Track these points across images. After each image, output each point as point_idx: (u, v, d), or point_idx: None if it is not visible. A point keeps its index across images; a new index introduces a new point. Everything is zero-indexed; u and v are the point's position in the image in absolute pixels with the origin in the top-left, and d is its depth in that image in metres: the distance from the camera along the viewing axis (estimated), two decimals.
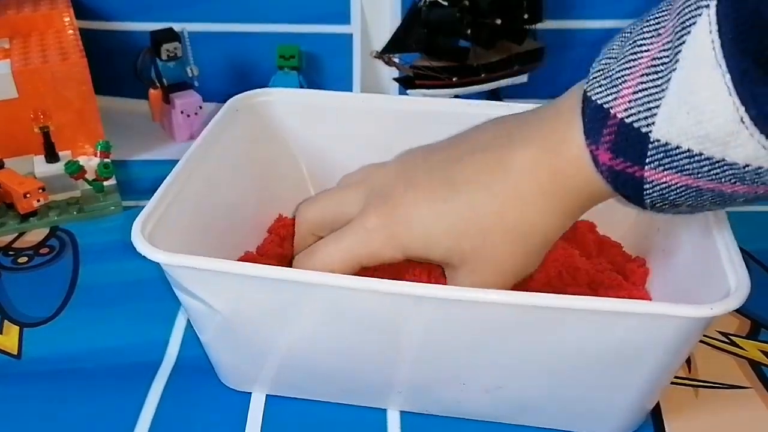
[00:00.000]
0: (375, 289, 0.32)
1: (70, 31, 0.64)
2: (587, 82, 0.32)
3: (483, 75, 0.64)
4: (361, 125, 0.49)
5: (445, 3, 0.61)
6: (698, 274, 0.36)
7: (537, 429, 0.38)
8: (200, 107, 0.66)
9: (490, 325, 0.33)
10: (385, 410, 0.40)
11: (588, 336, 0.32)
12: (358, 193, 0.40)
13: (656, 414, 0.39)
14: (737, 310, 0.46)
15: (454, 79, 0.64)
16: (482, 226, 0.35)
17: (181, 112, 0.65)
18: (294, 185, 0.51)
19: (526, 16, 0.64)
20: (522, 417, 0.38)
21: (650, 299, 0.41)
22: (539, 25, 0.64)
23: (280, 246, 0.47)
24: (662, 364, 0.34)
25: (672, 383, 0.41)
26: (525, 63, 0.65)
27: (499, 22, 0.62)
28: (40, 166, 0.57)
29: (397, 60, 0.65)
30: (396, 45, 0.65)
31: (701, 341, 0.44)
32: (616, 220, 0.45)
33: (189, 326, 0.45)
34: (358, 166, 0.46)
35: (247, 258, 0.45)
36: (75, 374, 0.42)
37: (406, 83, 0.65)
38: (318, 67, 0.70)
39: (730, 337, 0.44)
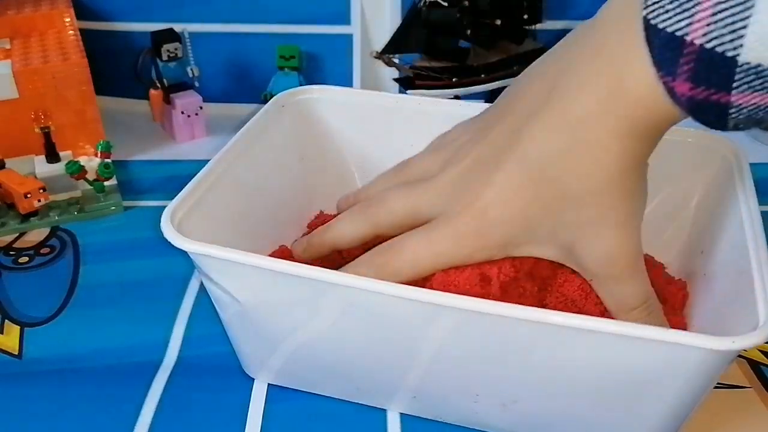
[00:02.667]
0: (395, 294, 0.32)
1: (71, 32, 0.65)
2: (646, 9, 0.29)
3: (483, 75, 0.64)
4: (408, 127, 0.48)
5: (445, 3, 0.61)
6: (733, 304, 0.35)
7: None
8: (201, 107, 0.66)
9: (501, 338, 0.32)
10: (385, 411, 0.40)
11: (601, 358, 0.31)
12: (435, 196, 0.37)
13: None
14: None
15: (454, 80, 0.64)
16: (567, 191, 0.33)
17: (182, 113, 0.65)
18: (336, 183, 0.51)
19: (525, 17, 0.64)
20: None
21: (687, 325, 0.40)
22: (539, 26, 0.65)
23: None
24: (681, 396, 0.32)
25: None
26: (525, 63, 0.65)
27: (498, 22, 0.62)
28: (40, 166, 0.57)
29: (397, 60, 0.65)
30: (396, 45, 0.65)
31: None
32: (662, 240, 0.44)
33: (189, 326, 0.45)
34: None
35: (280, 251, 0.45)
36: (75, 374, 0.42)
37: (406, 84, 0.65)
38: (318, 67, 0.70)
39: None
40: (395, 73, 0.68)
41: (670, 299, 0.41)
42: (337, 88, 0.50)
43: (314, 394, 0.40)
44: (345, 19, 0.69)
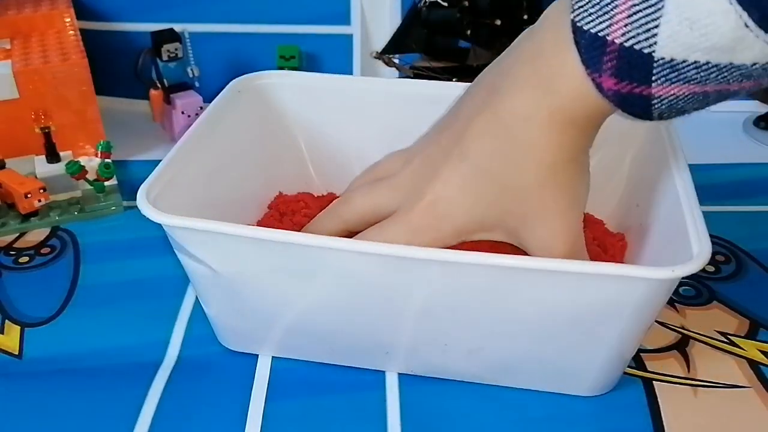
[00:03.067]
0: (360, 250, 0.34)
1: (71, 32, 0.65)
2: (573, 12, 0.31)
3: None
4: (362, 107, 0.50)
5: (445, 3, 0.62)
6: (669, 244, 0.38)
7: (521, 390, 0.40)
8: (201, 107, 0.66)
9: (467, 286, 0.35)
10: (383, 373, 0.41)
11: (561, 297, 0.34)
12: (393, 193, 0.40)
13: (655, 413, 0.39)
14: (736, 310, 0.47)
15: (453, 80, 0.64)
16: (508, 185, 0.36)
17: (182, 113, 0.65)
18: (294, 165, 0.52)
19: (525, 17, 0.64)
20: (505, 378, 0.40)
21: None
22: None
23: (279, 221, 0.49)
24: (632, 324, 0.35)
25: (671, 382, 0.41)
26: None
27: (498, 22, 0.62)
28: (41, 166, 0.57)
29: (396, 60, 0.66)
30: (396, 45, 0.65)
31: (700, 341, 0.44)
32: (600, 200, 0.47)
33: (189, 326, 0.46)
34: (358, 147, 0.48)
35: None
36: (75, 374, 0.42)
37: None
38: (318, 68, 0.70)
39: (729, 336, 0.44)
40: (395, 74, 0.68)
41: (611, 249, 0.44)
42: (295, 73, 0.52)
43: (313, 387, 0.41)
44: (345, 19, 0.69)
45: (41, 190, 0.54)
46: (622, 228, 0.46)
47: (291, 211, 0.50)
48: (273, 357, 0.43)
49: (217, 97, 0.48)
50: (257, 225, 0.49)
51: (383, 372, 0.42)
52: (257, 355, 0.43)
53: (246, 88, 0.50)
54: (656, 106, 0.31)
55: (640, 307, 0.34)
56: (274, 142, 0.51)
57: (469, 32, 0.63)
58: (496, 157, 0.36)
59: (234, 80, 0.50)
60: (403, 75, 0.66)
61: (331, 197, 0.52)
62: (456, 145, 0.37)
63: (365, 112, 0.50)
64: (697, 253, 0.33)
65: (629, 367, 0.42)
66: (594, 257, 0.43)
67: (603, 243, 0.45)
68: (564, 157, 0.35)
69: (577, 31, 0.31)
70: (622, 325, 0.35)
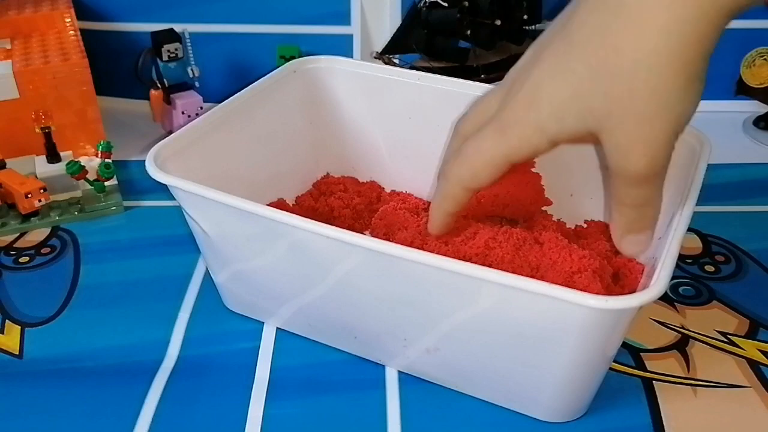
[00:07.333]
0: (314, 231, 0.35)
1: (72, 32, 0.65)
2: None
3: (483, 75, 0.64)
4: (414, 100, 0.51)
5: (445, 4, 0.62)
6: (648, 278, 0.37)
7: (489, 404, 0.40)
8: (201, 107, 0.66)
9: (413, 281, 0.35)
10: (384, 372, 0.42)
11: (505, 308, 0.34)
12: (496, 94, 0.38)
13: (655, 412, 0.39)
14: (736, 310, 0.47)
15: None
16: (600, 67, 0.31)
17: (182, 113, 0.65)
18: (344, 148, 0.54)
19: (525, 17, 0.64)
20: (466, 385, 0.40)
21: None
22: (538, 26, 0.65)
23: (315, 200, 0.51)
24: (580, 351, 0.34)
25: (670, 382, 0.41)
26: None
27: (498, 23, 0.62)
28: (41, 166, 0.57)
29: (397, 60, 0.66)
30: (396, 46, 0.65)
31: (700, 340, 0.44)
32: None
33: (189, 326, 0.46)
34: (404, 137, 0.50)
35: (276, 203, 0.49)
36: (76, 374, 0.42)
37: None
38: None
39: (729, 336, 0.44)
40: None
41: (630, 284, 0.42)
42: (351, 60, 0.53)
43: (313, 387, 0.41)
44: (345, 19, 0.69)
45: (41, 190, 0.54)
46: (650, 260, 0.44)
47: (329, 192, 0.52)
48: (273, 353, 0.43)
49: (271, 74, 0.49)
50: (296, 200, 0.51)
51: (383, 371, 0.42)
52: (257, 355, 0.43)
53: (303, 69, 0.51)
54: None
55: (585, 333, 0.33)
56: (326, 124, 0.52)
57: (469, 32, 0.63)
58: (595, 38, 0.32)
59: (291, 61, 0.51)
60: None
61: (372, 185, 0.54)
62: (564, 32, 0.33)
63: (417, 105, 0.51)
64: (641, 290, 0.31)
65: (629, 366, 0.42)
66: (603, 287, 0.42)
67: (618, 272, 0.43)
68: (674, 47, 0.30)
69: None
70: (569, 351, 0.34)
